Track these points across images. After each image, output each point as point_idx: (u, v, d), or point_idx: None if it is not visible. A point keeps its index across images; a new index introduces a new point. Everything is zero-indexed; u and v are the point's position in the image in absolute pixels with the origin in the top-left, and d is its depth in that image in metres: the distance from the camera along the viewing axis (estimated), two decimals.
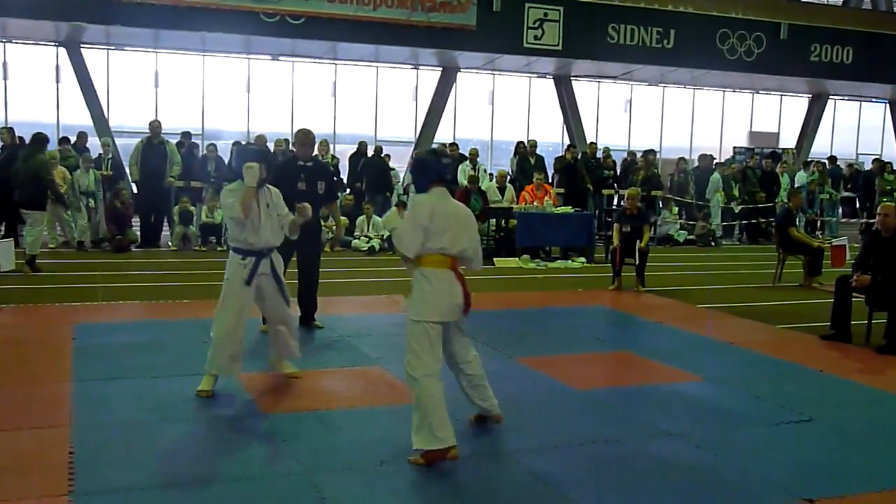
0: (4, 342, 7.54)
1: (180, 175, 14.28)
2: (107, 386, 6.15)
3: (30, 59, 19.35)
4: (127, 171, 14.70)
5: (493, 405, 5.48)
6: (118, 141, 16.98)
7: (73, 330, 7.81)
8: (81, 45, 18.74)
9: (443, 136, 21.60)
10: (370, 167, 16.08)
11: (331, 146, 17.26)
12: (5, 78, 18.99)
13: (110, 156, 15.04)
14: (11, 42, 18.90)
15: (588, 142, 19.90)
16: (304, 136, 8.04)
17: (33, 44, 19.09)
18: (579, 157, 17.30)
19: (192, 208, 14.17)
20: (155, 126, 14.17)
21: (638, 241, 10.99)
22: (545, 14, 19.48)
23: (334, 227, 14.33)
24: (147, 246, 13.95)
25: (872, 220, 18.97)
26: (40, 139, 11.93)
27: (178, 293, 9.98)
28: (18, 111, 18.98)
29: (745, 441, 5.49)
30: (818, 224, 19.18)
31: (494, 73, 22.43)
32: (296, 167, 7.91)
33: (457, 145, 17.33)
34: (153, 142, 14.04)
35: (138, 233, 14.18)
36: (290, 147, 13.92)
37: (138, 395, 5.96)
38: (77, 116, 18.74)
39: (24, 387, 6.12)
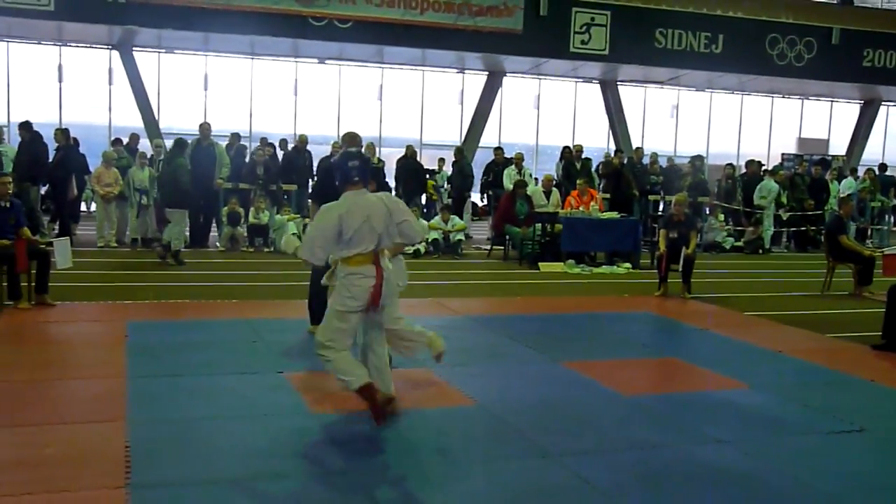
0: (61, 338, 7.75)
1: (229, 177, 14.49)
2: (160, 382, 6.28)
3: (84, 63, 19.77)
4: None
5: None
6: (168, 143, 17.22)
7: (127, 327, 7.98)
8: (133, 49, 19.09)
9: (488, 139, 21.66)
10: (404, 170, 16.21)
11: (377, 149, 17.38)
12: (60, 80, 19.40)
13: (161, 157, 15.31)
14: (66, 45, 19.30)
15: (634, 147, 19.84)
16: (352, 139, 8.14)
17: (87, 47, 19.47)
18: (625, 161, 17.24)
19: (240, 210, 14.37)
20: (205, 128, 14.39)
21: (684, 247, 10.93)
22: (592, 18, 19.46)
23: None
24: (195, 246, 14.17)
25: None
26: (180, 143, 13.18)
27: (227, 293, 10.13)
28: (72, 113, 19.38)
29: (795, 450, 5.45)
30: (868, 232, 18.88)
31: (540, 77, 22.43)
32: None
33: (501, 149, 17.37)
34: (202, 143, 14.27)
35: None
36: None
37: (190, 391, 6.07)
38: (128, 118, 19.08)
39: (81, 381, 6.28)
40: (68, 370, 6.59)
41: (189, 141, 13.67)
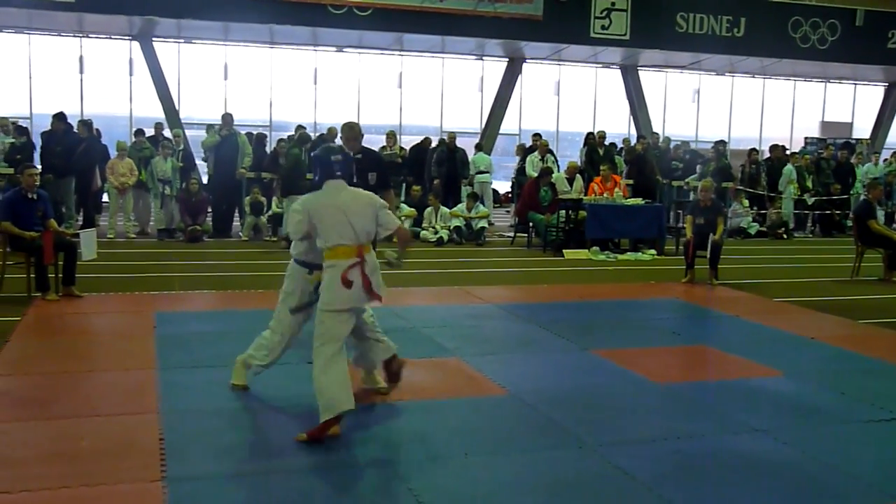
0: (90, 329, 7.75)
1: (251, 166, 14.48)
2: (191, 374, 6.27)
3: (104, 54, 19.79)
4: (199, 160, 14.97)
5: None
6: (188, 133, 17.24)
7: (154, 318, 7.97)
8: (153, 39, 19.09)
9: (508, 126, 21.56)
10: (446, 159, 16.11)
11: (398, 138, 17.31)
12: (81, 72, 19.43)
13: (181, 147, 15.30)
14: (87, 37, 19.32)
15: (654, 132, 19.70)
16: (350, 130, 8.03)
17: (107, 38, 19.49)
18: (649, 146, 17.11)
19: (262, 199, 14.36)
20: (227, 118, 14.41)
21: (711, 233, 10.82)
22: (613, 3, 19.30)
23: (402, 219, 14.48)
24: (219, 236, 14.17)
25: None
26: (302, 137, 13.93)
27: (251, 283, 10.12)
28: (94, 104, 19.42)
29: (833, 438, 5.37)
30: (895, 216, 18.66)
31: (561, 63, 22.28)
32: None
33: (539, 135, 17.18)
34: (223, 133, 14.29)
35: (210, 223, 14.43)
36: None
37: (222, 382, 6.04)
38: (149, 109, 19.09)
39: (111, 373, 6.28)
40: (99, 362, 6.60)
41: (311, 136, 14.02)
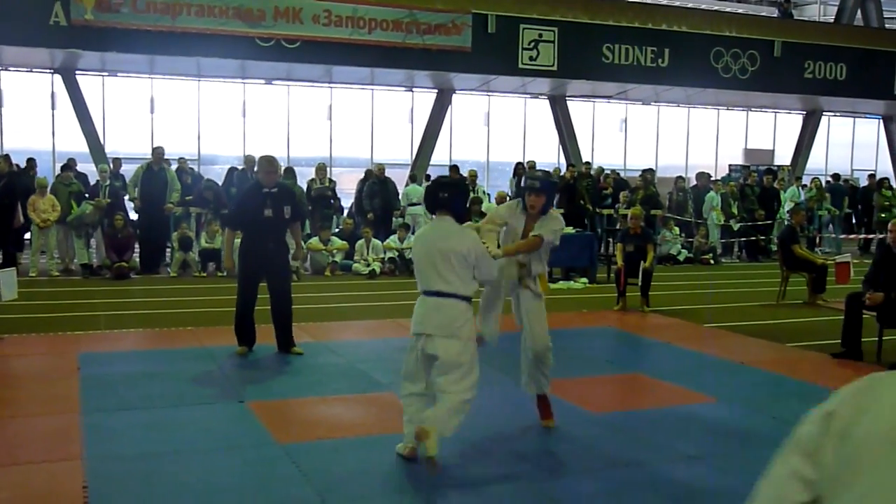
0: (11, 373, 7.47)
1: (179, 202, 14.24)
2: (116, 417, 6.06)
3: (25, 87, 19.32)
4: (126, 196, 14.63)
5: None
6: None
7: (78, 359, 7.72)
8: (76, 72, 18.70)
9: (439, 157, 21.60)
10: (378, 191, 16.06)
11: (328, 169, 17.21)
12: (1, 105, 18.93)
13: (107, 182, 14.97)
14: (7, 70, 18.85)
15: (584, 161, 19.96)
16: (269, 164, 8.07)
17: (28, 71, 19.04)
18: (579, 175, 17.31)
19: (190, 234, 14.11)
20: (158, 152, 14.25)
21: (642, 261, 10.96)
22: (540, 35, 19.53)
23: (334, 252, 14.38)
24: (147, 272, 13.86)
25: (871, 236, 19.12)
26: (289, 170, 14.69)
27: (181, 320, 9.89)
28: (14, 139, 18.91)
29: (767, 462, 5.40)
30: (817, 241, 19.18)
31: (490, 94, 22.46)
32: (261, 194, 7.91)
33: (457, 167, 17.32)
34: (154, 167, 14.05)
35: (137, 260, 14.11)
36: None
37: (148, 425, 5.87)
38: (73, 143, 18.65)
39: (33, 418, 6.04)
40: (20, 407, 6.33)
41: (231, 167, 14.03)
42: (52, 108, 19.21)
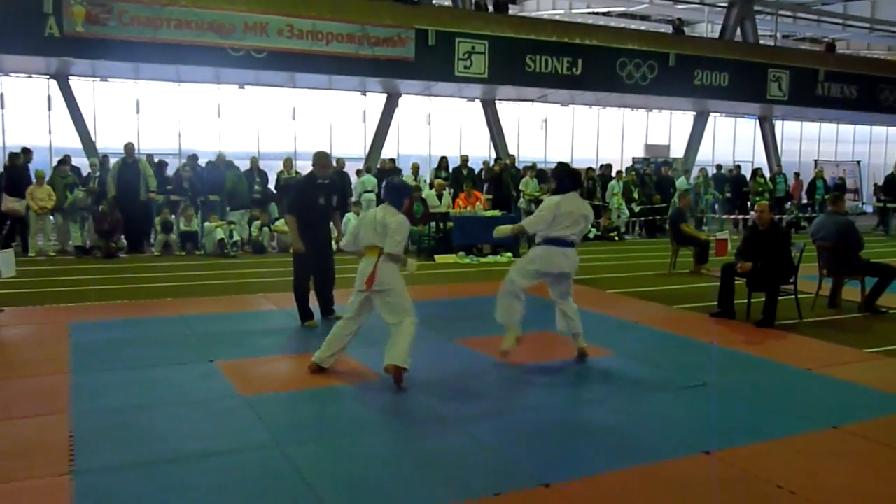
0: (7, 340, 7.28)
1: (160, 190, 13.97)
2: (100, 377, 5.96)
3: (24, 91, 18.72)
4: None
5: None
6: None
7: (69, 327, 7.56)
8: (70, 77, 18.18)
9: (388, 152, 21.47)
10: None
11: (294, 162, 17.00)
12: (2, 107, 18.32)
13: (97, 174, 14.60)
14: (8, 75, 18.25)
15: (510, 154, 20.00)
16: (324, 159, 7.95)
17: (27, 76, 18.46)
18: (506, 167, 17.38)
19: (171, 219, 13.86)
20: (129, 147, 14.05)
21: None
22: (473, 47, 19.46)
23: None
24: (133, 252, 13.60)
25: (746, 217, 19.52)
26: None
27: (162, 293, 9.73)
28: (15, 137, 18.34)
29: (652, 405, 5.54)
30: (703, 220, 19.52)
31: (431, 97, 22.35)
32: (316, 185, 7.81)
33: (393, 160, 17.27)
34: (127, 161, 13.84)
35: (125, 240, 13.84)
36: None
37: (128, 383, 5.79)
38: (68, 140, 18.15)
39: (25, 379, 5.91)
40: (14, 369, 6.19)
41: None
42: (49, 110, 18.64)
